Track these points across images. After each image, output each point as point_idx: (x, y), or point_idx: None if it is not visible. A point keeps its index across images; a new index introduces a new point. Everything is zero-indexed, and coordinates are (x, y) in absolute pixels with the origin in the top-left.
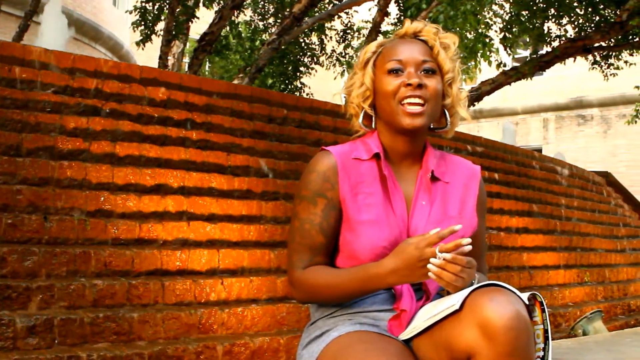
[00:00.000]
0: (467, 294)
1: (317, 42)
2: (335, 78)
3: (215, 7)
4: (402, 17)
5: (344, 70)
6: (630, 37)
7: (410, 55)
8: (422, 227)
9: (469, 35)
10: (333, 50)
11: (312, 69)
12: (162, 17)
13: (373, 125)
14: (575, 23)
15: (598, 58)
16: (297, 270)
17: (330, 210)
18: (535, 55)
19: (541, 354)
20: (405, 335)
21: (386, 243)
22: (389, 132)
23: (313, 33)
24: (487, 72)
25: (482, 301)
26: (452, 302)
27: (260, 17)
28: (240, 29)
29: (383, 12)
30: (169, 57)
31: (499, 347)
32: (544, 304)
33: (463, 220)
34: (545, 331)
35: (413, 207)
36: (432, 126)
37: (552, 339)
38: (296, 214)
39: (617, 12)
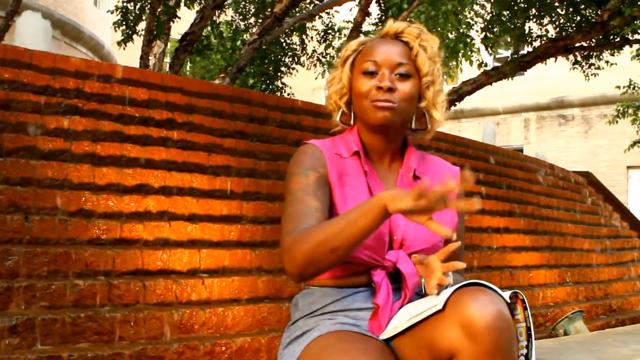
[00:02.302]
0: (450, 294)
1: (298, 42)
2: (316, 78)
3: (197, 7)
4: (383, 17)
5: (324, 71)
6: (611, 37)
7: (387, 57)
8: (404, 223)
9: (450, 35)
10: (314, 50)
11: (293, 69)
12: (144, 17)
13: (352, 122)
14: (557, 23)
15: (579, 58)
16: (288, 238)
17: (323, 184)
18: (516, 55)
19: (524, 351)
20: (386, 334)
21: (370, 237)
22: (366, 129)
23: (294, 33)
24: (468, 72)
25: (465, 301)
26: (434, 302)
27: (241, 17)
28: (221, 29)
29: (364, 12)
30: (150, 57)
31: (482, 346)
32: (526, 301)
33: (443, 218)
34: (528, 329)
35: None
36: (413, 127)
37: (534, 339)
38: (288, 191)
39: (598, 12)
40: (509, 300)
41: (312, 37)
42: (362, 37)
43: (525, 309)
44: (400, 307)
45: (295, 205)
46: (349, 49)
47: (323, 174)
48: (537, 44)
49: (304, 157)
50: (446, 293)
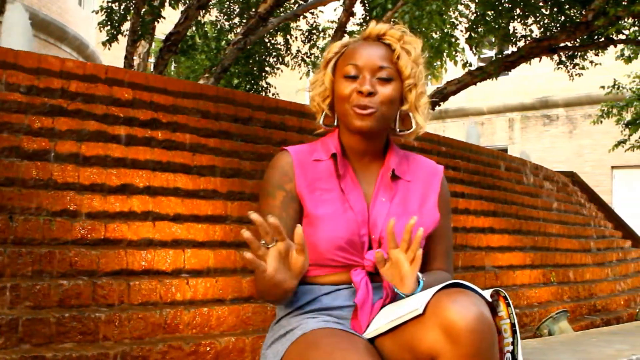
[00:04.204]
0: (431, 297)
1: (282, 42)
2: (300, 78)
3: (181, 7)
4: (367, 17)
5: (309, 71)
6: (596, 37)
7: (368, 61)
8: (382, 222)
9: (434, 35)
10: (298, 51)
11: (278, 69)
12: (128, 17)
13: (335, 123)
14: (541, 23)
15: (563, 58)
16: None
17: (289, 202)
18: (500, 55)
19: (510, 348)
20: (368, 335)
21: (344, 236)
22: (347, 131)
23: (278, 33)
24: (452, 72)
25: (445, 303)
26: (415, 305)
27: (225, 17)
28: (206, 29)
29: (348, 12)
30: (134, 57)
31: (462, 349)
32: (508, 298)
33: (423, 215)
34: (513, 325)
35: (373, 204)
36: (398, 128)
37: (519, 335)
38: (260, 211)
39: (583, 12)
40: (490, 299)
41: (296, 37)
42: (344, 39)
43: (508, 305)
44: (382, 307)
45: None
46: (331, 51)
47: (290, 189)
48: (521, 44)
49: (273, 172)
50: (427, 295)
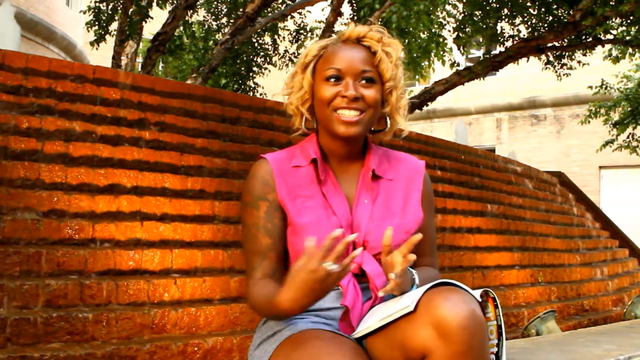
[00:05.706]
0: (421, 294)
1: (270, 42)
2: None
3: (169, 7)
4: (355, 17)
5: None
6: (584, 37)
7: (350, 65)
8: (365, 224)
9: (422, 35)
10: (286, 51)
11: (265, 69)
12: (116, 17)
13: (314, 125)
14: (529, 23)
15: (551, 58)
16: (250, 279)
17: (273, 211)
18: (488, 55)
19: (495, 349)
20: (358, 334)
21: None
22: (327, 135)
23: (266, 33)
24: (440, 72)
25: (437, 301)
26: (406, 303)
27: (213, 17)
28: (193, 29)
29: (336, 12)
30: (122, 57)
31: (454, 346)
32: (497, 299)
33: (406, 214)
34: (499, 327)
35: (355, 206)
36: (372, 128)
37: (505, 339)
38: (244, 222)
39: (571, 12)
40: (479, 299)
41: (284, 37)
42: (322, 41)
43: (496, 307)
44: (371, 307)
45: (251, 243)
46: (310, 54)
47: (272, 199)
48: (509, 43)
49: (254, 182)
50: (418, 293)
